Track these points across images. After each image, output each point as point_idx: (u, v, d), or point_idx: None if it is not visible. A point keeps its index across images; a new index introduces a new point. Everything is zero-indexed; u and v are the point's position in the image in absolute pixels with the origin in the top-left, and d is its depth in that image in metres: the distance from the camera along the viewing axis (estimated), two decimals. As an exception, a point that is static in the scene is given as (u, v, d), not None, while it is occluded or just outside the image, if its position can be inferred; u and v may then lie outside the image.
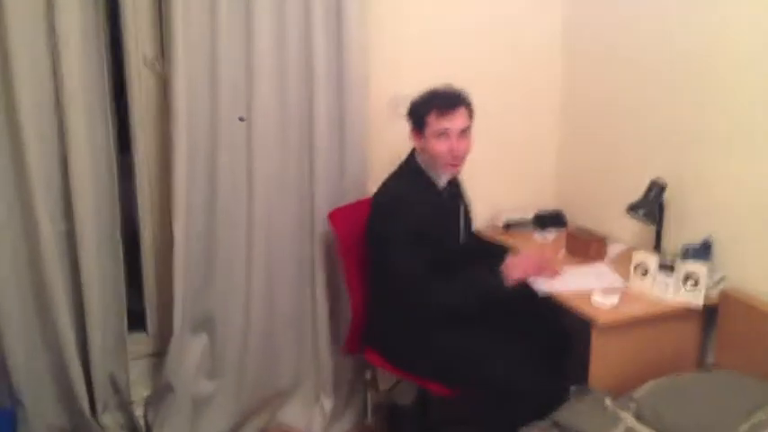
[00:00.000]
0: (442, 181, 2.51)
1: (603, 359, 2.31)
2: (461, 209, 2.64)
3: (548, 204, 3.20)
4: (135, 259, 2.83)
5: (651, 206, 2.55)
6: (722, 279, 2.41)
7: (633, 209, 2.57)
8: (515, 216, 3.06)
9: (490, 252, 2.73)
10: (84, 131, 2.47)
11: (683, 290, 2.36)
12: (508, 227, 3.05)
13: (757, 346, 2.25)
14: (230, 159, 2.67)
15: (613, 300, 2.36)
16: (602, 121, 2.99)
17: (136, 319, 2.87)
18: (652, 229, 2.62)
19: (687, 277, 2.35)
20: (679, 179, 2.56)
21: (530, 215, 3.08)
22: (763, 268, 2.32)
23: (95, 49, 2.47)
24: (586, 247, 2.73)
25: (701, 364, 2.49)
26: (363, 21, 2.69)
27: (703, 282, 2.32)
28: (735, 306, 2.33)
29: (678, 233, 2.57)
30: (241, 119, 2.63)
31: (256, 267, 2.77)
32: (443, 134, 2.38)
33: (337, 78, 2.72)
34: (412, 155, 2.51)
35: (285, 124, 2.72)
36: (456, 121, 2.38)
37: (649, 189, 2.56)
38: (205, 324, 2.79)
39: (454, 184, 2.60)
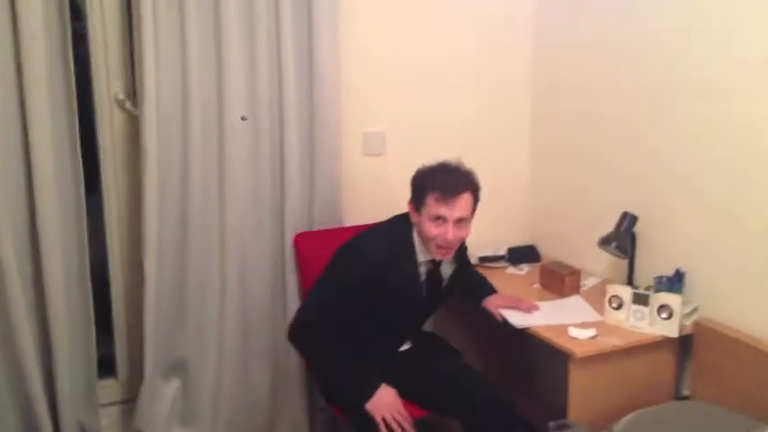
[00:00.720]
0: (426, 257, 2.39)
1: (582, 392, 2.32)
2: (440, 291, 2.51)
3: (520, 239, 3.22)
4: (104, 302, 2.77)
5: (623, 239, 2.58)
6: (695, 310, 2.44)
7: (605, 242, 2.60)
8: (489, 252, 3.07)
9: (477, 291, 2.66)
10: (53, 173, 2.43)
11: (657, 321, 2.38)
12: (482, 262, 3.05)
13: (731, 376, 2.28)
14: (202, 199, 2.65)
15: (590, 332, 2.37)
16: (571, 155, 3.03)
17: (105, 365, 2.80)
18: (625, 261, 2.65)
19: (661, 308, 2.37)
20: (649, 211, 2.60)
21: (503, 250, 3.09)
22: (733, 298, 2.35)
23: (64, 89, 2.43)
24: (560, 280, 2.74)
25: (677, 394, 2.50)
26: (336, 53, 2.72)
27: (677, 312, 2.35)
28: (709, 336, 2.36)
29: (650, 264, 2.60)
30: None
31: (229, 307, 2.73)
32: (440, 219, 2.26)
33: (309, 119, 2.73)
34: (406, 215, 2.40)
35: (257, 163, 2.71)
36: (455, 209, 2.25)
37: (621, 222, 2.60)
38: (177, 368, 2.73)
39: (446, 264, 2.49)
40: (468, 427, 2.33)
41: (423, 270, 2.41)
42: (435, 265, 2.43)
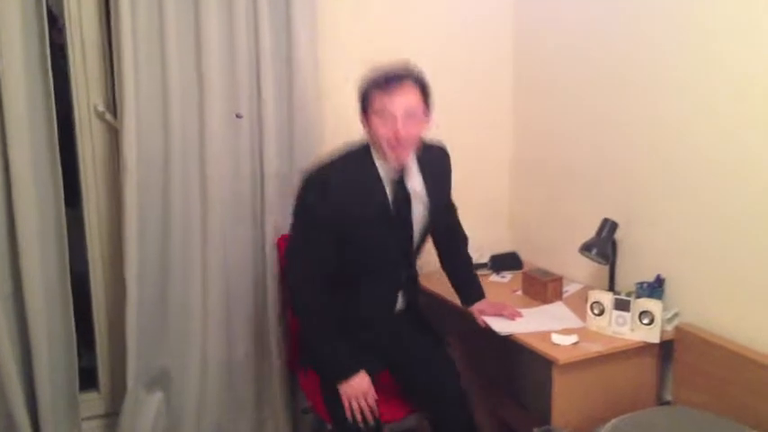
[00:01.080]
0: (389, 169, 2.25)
1: (566, 398, 2.32)
2: (415, 206, 2.33)
3: (502, 247, 3.23)
4: (85, 314, 2.75)
5: (603, 245, 2.59)
6: (676, 315, 2.46)
7: (586, 248, 2.61)
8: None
9: (465, 293, 2.63)
10: (33, 186, 2.42)
11: (639, 327, 2.39)
12: (464, 270, 3.06)
13: (712, 381, 2.29)
14: (183, 210, 2.65)
15: (572, 339, 2.38)
16: (552, 163, 3.05)
17: (87, 377, 2.78)
18: (606, 267, 2.66)
19: (642, 314, 2.39)
20: (630, 218, 2.62)
21: (485, 258, 3.10)
22: (713, 304, 2.37)
23: (43, 101, 2.42)
24: (543, 287, 2.75)
25: (659, 399, 2.51)
26: (315, 63, 2.73)
27: (659, 318, 2.37)
28: (690, 341, 2.37)
29: (631, 271, 2.62)
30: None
31: (212, 317, 2.73)
32: (386, 114, 2.13)
33: (289, 127, 2.73)
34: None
35: (238, 174, 2.71)
36: (399, 100, 2.12)
37: (601, 228, 2.61)
38: (160, 380, 2.72)
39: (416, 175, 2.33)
40: (433, 425, 2.42)
41: (388, 185, 2.26)
42: (400, 180, 2.28)
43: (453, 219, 2.63)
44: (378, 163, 2.24)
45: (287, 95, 2.71)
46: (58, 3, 2.52)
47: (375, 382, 2.31)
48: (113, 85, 2.56)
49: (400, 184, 2.27)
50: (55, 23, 2.57)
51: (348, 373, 2.25)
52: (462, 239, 2.65)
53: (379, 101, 2.14)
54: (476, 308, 2.58)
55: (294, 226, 2.31)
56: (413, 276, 2.50)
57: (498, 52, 3.19)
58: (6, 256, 2.45)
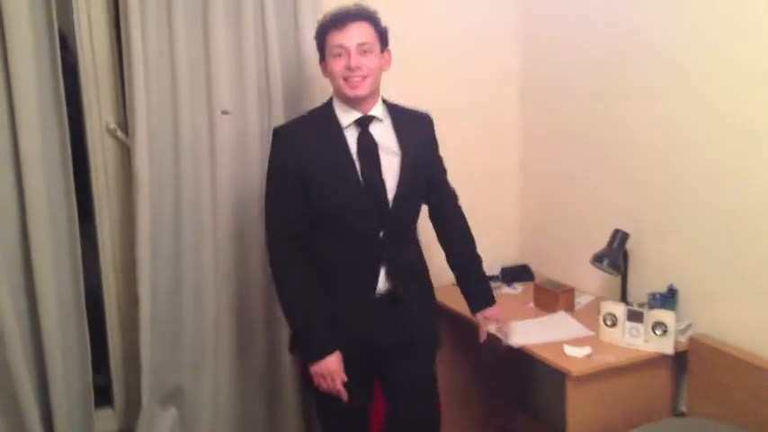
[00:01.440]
0: (349, 116, 2.20)
1: (580, 410, 2.32)
2: (385, 156, 2.22)
3: (513, 259, 3.23)
4: (100, 331, 2.76)
5: (615, 256, 2.59)
6: (689, 326, 2.45)
7: (597, 259, 2.61)
8: (482, 271, 3.08)
9: (473, 298, 2.47)
10: (46, 203, 2.43)
11: (653, 338, 2.39)
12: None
13: (728, 391, 2.29)
14: (195, 226, 2.66)
15: (586, 350, 2.37)
16: (562, 174, 3.05)
17: (101, 394, 2.78)
18: (618, 278, 2.66)
19: (656, 325, 2.38)
20: (641, 228, 2.62)
21: (496, 270, 3.10)
22: (727, 314, 2.37)
23: (56, 119, 2.44)
24: (555, 299, 2.75)
25: (674, 410, 2.50)
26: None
27: (672, 329, 2.36)
28: (704, 352, 2.37)
29: (643, 281, 2.61)
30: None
31: (224, 333, 2.74)
32: (340, 50, 2.13)
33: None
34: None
35: (249, 189, 2.72)
36: (350, 35, 2.12)
37: (612, 239, 2.61)
38: (174, 396, 2.72)
39: (385, 123, 2.25)
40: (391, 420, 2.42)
41: (351, 136, 2.20)
42: (364, 127, 2.21)
43: (452, 207, 2.47)
44: (338, 111, 2.22)
45: (297, 110, 2.72)
46: (68, 23, 2.53)
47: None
48: (124, 102, 2.58)
49: (365, 132, 2.21)
50: (64, 43, 2.59)
51: (319, 355, 2.18)
52: (467, 237, 2.48)
53: (332, 39, 2.14)
54: (481, 316, 2.45)
55: (266, 185, 2.26)
56: (400, 255, 2.28)
57: (504, 64, 3.19)
58: (21, 272, 2.46)
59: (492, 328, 2.45)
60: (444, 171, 2.45)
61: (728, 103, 2.29)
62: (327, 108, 2.24)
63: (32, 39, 2.33)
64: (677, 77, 2.46)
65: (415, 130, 2.32)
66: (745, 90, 2.25)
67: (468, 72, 3.12)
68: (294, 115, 2.67)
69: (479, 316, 2.45)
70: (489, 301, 2.47)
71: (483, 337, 2.44)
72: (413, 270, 2.35)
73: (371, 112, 2.21)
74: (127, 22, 2.42)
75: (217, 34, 2.56)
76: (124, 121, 2.61)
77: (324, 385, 2.20)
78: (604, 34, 2.75)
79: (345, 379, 2.21)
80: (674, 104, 2.48)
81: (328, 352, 2.19)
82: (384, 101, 2.29)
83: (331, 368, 2.19)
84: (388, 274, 2.25)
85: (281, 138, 2.22)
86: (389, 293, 2.27)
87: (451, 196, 2.48)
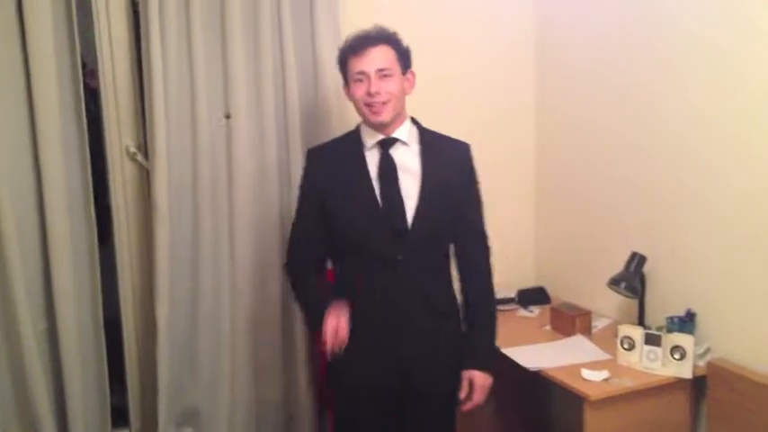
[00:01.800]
0: (372, 138, 2.18)
1: (598, 436, 2.30)
2: (404, 177, 2.17)
3: (530, 282, 3.23)
4: (117, 352, 2.78)
5: (632, 279, 2.59)
6: (708, 350, 2.43)
7: (614, 282, 2.60)
8: (498, 294, 3.06)
9: (473, 353, 2.26)
10: (67, 225, 2.46)
11: (670, 362, 2.37)
12: (492, 305, 3.05)
13: (747, 416, 2.26)
14: (212, 250, 2.68)
15: (603, 374, 2.36)
16: (578, 196, 3.05)
17: (118, 415, 2.79)
18: (635, 301, 2.65)
19: (674, 349, 2.37)
20: (659, 251, 2.61)
21: (512, 293, 3.09)
22: (746, 338, 2.35)
23: (77, 143, 2.49)
24: (571, 322, 2.75)
25: (693, 435, 2.48)
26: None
27: (690, 353, 2.35)
28: (723, 376, 2.35)
29: (661, 305, 2.60)
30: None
31: (241, 356, 2.75)
32: (361, 76, 2.11)
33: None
34: None
35: (266, 214, 2.74)
36: (370, 60, 2.10)
37: (629, 262, 2.60)
38: (190, 418, 2.73)
39: (406, 145, 2.20)
40: None
41: (373, 158, 2.19)
42: (385, 149, 2.18)
43: (479, 256, 2.31)
44: (364, 133, 2.21)
45: (314, 133, 2.75)
46: (90, 49, 2.58)
47: None
48: (145, 126, 2.61)
49: (385, 153, 2.19)
50: (86, 68, 2.64)
51: (324, 307, 2.12)
52: (487, 292, 2.32)
53: (352, 65, 2.13)
54: (467, 375, 2.23)
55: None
56: (422, 285, 2.18)
57: (520, 84, 3.22)
58: (41, 293, 2.49)
59: (462, 394, 2.23)
60: (478, 213, 2.30)
61: (750, 127, 2.29)
62: (355, 131, 2.25)
63: (55, 64, 2.38)
64: (697, 100, 2.46)
65: (446, 155, 2.24)
66: (766, 114, 2.25)
67: (484, 99, 3.14)
68: (311, 141, 2.70)
69: (465, 375, 2.23)
70: (484, 365, 2.25)
71: (462, 395, 2.24)
72: (436, 306, 2.22)
73: (395, 135, 2.19)
74: (148, 49, 2.47)
75: (235, 61, 2.59)
76: (144, 145, 2.64)
77: (329, 331, 2.07)
78: (620, 60, 2.76)
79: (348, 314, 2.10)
80: (694, 127, 2.48)
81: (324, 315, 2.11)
82: (417, 125, 2.26)
83: (332, 322, 2.08)
84: (406, 304, 2.16)
85: (309, 159, 2.26)
86: (411, 326, 2.17)
87: (481, 243, 2.31)
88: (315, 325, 2.17)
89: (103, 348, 2.62)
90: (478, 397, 2.23)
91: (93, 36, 2.56)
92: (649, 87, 2.64)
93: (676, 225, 2.57)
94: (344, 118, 2.68)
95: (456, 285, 2.31)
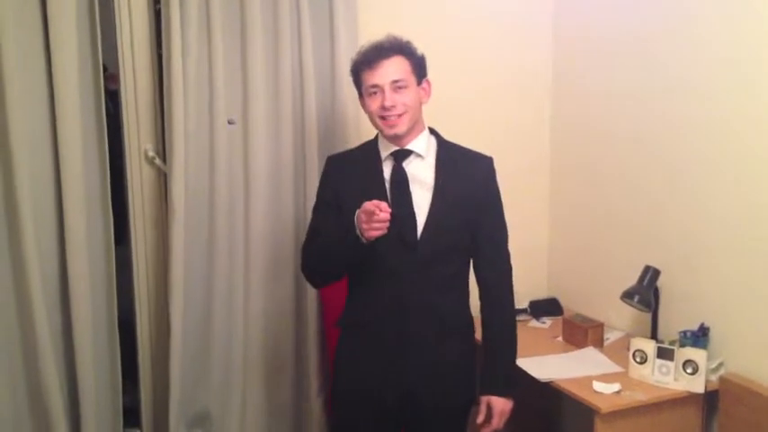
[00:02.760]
0: (388, 149, 2.16)
1: (608, 448, 2.30)
2: (416, 189, 2.13)
3: (542, 293, 3.23)
4: (131, 352, 2.80)
5: (646, 292, 2.58)
6: (721, 365, 2.42)
7: (628, 295, 2.59)
8: (511, 304, 3.07)
9: (491, 378, 2.22)
10: (84, 225, 2.49)
11: (683, 376, 2.36)
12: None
13: (759, 431, 2.25)
14: (228, 253, 2.71)
15: (615, 387, 2.36)
16: (593, 208, 3.05)
17: (130, 416, 2.81)
18: (648, 314, 2.64)
19: (686, 363, 2.36)
20: (673, 265, 2.60)
21: (525, 304, 3.09)
22: (759, 353, 2.34)
23: (97, 145, 2.52)
24: (584, 333, 2.74)
25: (704, 451, 2.47)
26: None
27: (703, 368, 2.34)
28: (735, 392, 2.34)
29: (674, 319, 2.59)
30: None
31: (254, 359, 2.77)
32: (375, 89, 2.08)
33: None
34: None
35: (281, 218, 2.77)
36: (384, 72, 2.06)
37: (643, 275, 2.59)
38: (202, 420, 2.75)
39: (421, 157, 2.16)
40: None
41: (387, 169, 2.16)
42: (399, 160, 2.15)
43: (498, 277, 2.25)
44: (380, 144, 2.19)
45: (330, 139, 2.77)
46: (110, 52, 2.60)
47: None
48: (163, 130, 2.64)
49: (398, 165, 2.16)
50: (105, 71, 2.67)
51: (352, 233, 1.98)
52: (506, 314, 2.26)
53: (365, 78, 2.10)
54: (485, 399, 2.21)
55: None
56: (432, 300, 2.13)
57: (536, 96, 3.23)
58: (57, 292, 2.52)
59: (480, 418, 2.20)
60: (499, 230, 2.25)
61: (763, 138, 2.29)
62: (374, 140, 2.23)
63: (78, 66, 2.41)
64: (712, 113, 2.46)
65: (466, 168, 2.19)
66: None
67: (501, 111, 3.15)
68: (328, 147, 2.72)
69: (484, 399, 2.20)
70: (504, 391, 2.20)
71: (480, 419, 2.21)
72: (445, 321, 2.16)
73: (409, 146, 2.15)
74: (168, 53, 2.50)
75: (254, 68, 2.62)
76: (162, 149, 2.67)
77: (374, 228, 1.93)
78: (635, 76, 2.77)
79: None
80: (707, 141, 2.49)
81: (353, 225, 1.98)
82: (437, 136, 2.23)
83: (362, 216, 1.94)
84: (413, 318, 2.12)
85: (328, 165, 2.26)
86: (417, 340, 2.13)
87: (501, 261, 2.25)
88: (349, 238, 2.00)
89: (117, 348, 2.64)
90: (497, 422, 2.19)
91: (115, 40, 2.60)
92: (664, 102, 2.64)
93: (691, 239, 2.57)
94: (361, 125, 2.71)
95: (474, 301, 2.27)
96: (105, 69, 2.63)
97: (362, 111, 2.21)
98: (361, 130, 2.76)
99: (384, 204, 1.91)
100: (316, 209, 2.26)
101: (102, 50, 2.48)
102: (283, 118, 2.70)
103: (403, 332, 2.12)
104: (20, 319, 2.46)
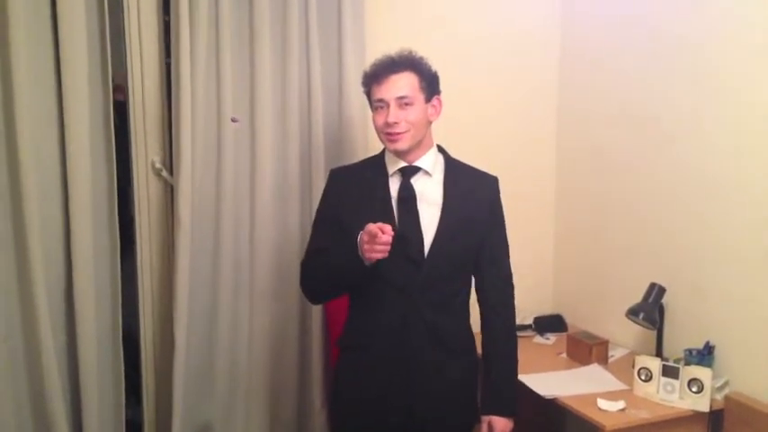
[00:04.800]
0: (395, 165, 2.15)
1: (613, 467, 2.29)
2: (423, 207, 2.13)
3: (547, 309, 3.22)
4: (134, 366, 2.79)
5: (651, 310, 2.58)
6: (726, 384, 2.42)
7: (633, 312, 2.59)
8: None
9: (493, 397, 2.23)
10: (90, 238, 2.48)
11: (688, 394, 2.36)
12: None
13: (765, 452, 2.25)
14: (233, 267, 2.71)
15: (619, 404, 2.35)
16: (598, 226, 3.06)
17: (132, 429, 2.80)
18: (653, 332, 2.64)
19: (691, 382, 2.36)
20: (678, 283, 2.61)
21: (529, 320, 3.09)
22: (764, 373, 2.34)
23: (104, 155, 2.51)
24: (588, 350, 2.74)
25: (709, 470, 2.46)
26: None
27: (708, 386, 2.33)
28: (740, 411, 2.34)
29: (679, 337, 2.59)
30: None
31: (257, 374, 2.76)
32: (381, 104, 2.07)
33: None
34: None
35: (286, 231, 2.77)
36: (391, 88, 2.05)
37: (648, 292, 2.60)
38: (205, 435, 2.74)
39: (428, 174, 2.16)
40: None
41: (394, 185, 2.15)
42: (406, 177, 2.15)
43: (499, 295, 2.26)
44: (387, 158, 2.18)
45: (337, 151, 2.78)
46: (118, 64, 2.60)
47: None
48: (171, 142, 2.64)
49: (405, 182, 2.15)
50: (115, 84, 2.68)
51: (355, 253, 2.00)
52: (507, 333, 2.27)
53: (373, 92, 2.09)
54: (486, 419, 2.21)
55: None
56: (434, 320, 2.12)
57: (541, 116, 3.25)
58: (62, 305, 2.50)
59: None
60: (502, 249, 2.26)
61: (766, 155, 2.30)
62: (380, 155, 2.22)
63: (87, 78, 2.41)
64: (716, 133, 2.48)
65: (471, 187, 2.20)
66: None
67: (506, 131, 3.17)
68: (334, 158, 2.73)
69: (485, 419, 2.21)
70: (505, 411, 2.21)
71: None
72: (447, 340, 2.16)
73: (417, 163, 2.14)
74: (177, 67, 2.51)
75: (263, 81, 2.63)
76: (169, 161, 2.68)
77: (378, 250, 1.95)
78: (639, 95, 2.79)
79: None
80: (713, 159, 2.50)
81: (354, 246, 2.00)
82: (444, 154, 2.23)
83: (369, 230, 1.94)
84: (416, 335, 2.11)
85: (331, 179, 2.25)
86: (419, 358, 2.12)
87: (504, 281, 2.26)
88: (352, 257, 2.01)
89: (121, 362, 2.62)
90: None
91: (123, 51, 2.61)
92: (668, 121, 2.66)
93: (696, 257, 2.57)
94: (368, 137, 2.73)
95: (475, 320, 2.27)
96: (113, 81, 2.64)
97: (370, 120, 2.21)
98: (369, 143, 2.77)
99: (388, 227, 1.92)
100: (315, 225, 2.26)
101: (111, 62, 2.48)
102: (291, 131, 2.70)
103: (404, 350, 2.12)
104: (24, 331, 2.43)
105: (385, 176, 2.16)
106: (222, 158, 2.63)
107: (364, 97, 2.20)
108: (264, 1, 2.59)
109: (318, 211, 2.26)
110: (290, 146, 2.71)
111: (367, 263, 1.99)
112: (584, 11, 3.07)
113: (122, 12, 2.59)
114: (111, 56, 2.48)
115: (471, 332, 2.26)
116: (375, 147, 2.75)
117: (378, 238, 1.91)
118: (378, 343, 2.14)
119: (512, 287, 2.28)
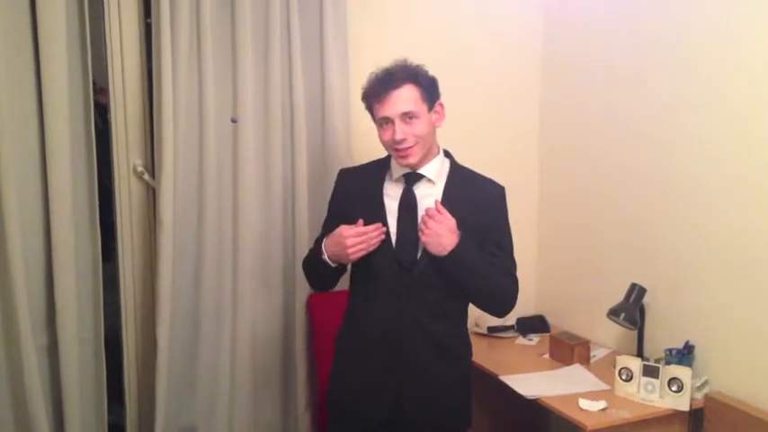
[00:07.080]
0: (400, 170, 2.15)
1: (594, 466, 2.30)
2: (420, 212, 2.11)
3: (529, 310, 3.24)
4: (116, 370, 2.78)
5: (632, 310, 2.60)
6: (705, 383, 2.44)
7: (614, 313, 2.61)
8: (497, 321, 3.08)
9: None
10: (72, 241, 2.47)
11: (668, 394, 2.38)
12: (491, 332, 3.06)
13: (744, 450, 2.27)
14: (215, 269, 2.70)
15: (601, 404, 2.37)
16: (580, 227, 3.07)
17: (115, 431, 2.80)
18: (634, 332, 2.65)
19: (671, 381, 2.38)
20: (658, 283, 2.63)
21: (512, 321, 3.10)
22: (744, 372, 2.36)
23: (85, 159, 2.51)
24: (570, 351, 2.75)
25: (690, 468, 2.48)
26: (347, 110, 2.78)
27: (688, 385, 2.35)
28: (720, 410, 2.36)
29: (660, 336, 2.61)
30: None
31: (240, 376, 2.75)
32: (386, 121, 2.06)
33: (323, 190, 2.79)
34: None
35: (269, 231, 2.77)
36: (394, 104, 2.03)
37: (629, 293, 2.62)
38: (187, 437, 2.73)
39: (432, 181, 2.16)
40: None
41: (398, 189, 2.16)
42: (410, 183, 2.15)
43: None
44: (393, 163, 2.17)
45: (321, 159, 2.78)
46: (99, 65, 2.60)
47: None
48: (152, 144, 2.64)
49: (408, 188, 2.15)
50: (93, 85, 2.67)
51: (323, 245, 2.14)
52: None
53: (376, 110, 2.08)
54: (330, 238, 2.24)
55: None
56: (429, 325, 2.12)
57: (524, 116, 3.26)
58: (44, 308, 2.49)
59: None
60: (503, 251, 2.23)
61: (751, 164, 2.32)
62: (387, 158, 2.21)
63: (67, 79, 2.40)
64: (700, 135, 2.49)
65: (475, 194, 2.18)
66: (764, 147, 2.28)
67: (488, 130, 3.18)
68: (317, 162, 2.73)
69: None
70: (462, 238, 2.10)
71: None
72: (439, 345, 2.15)
73: (421, 170, 2.13)
74: (158, 69, 2.50)
75: (244, 84, 2.64)
76: (151, 164, 2.67)
77: (352, 247, 2.05)
78: (623, 93, 2.81)
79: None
80: (696, 162, 2.52)
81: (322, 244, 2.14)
82: (451, 159, 2.22)
83: (334, 238, 2.09)
84: (407, 338, 2.12)
85: (339, 178, 2.29)
86: (409, 360, 2.13)
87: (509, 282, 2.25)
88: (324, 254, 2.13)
89: (103, 365, 2.61)
90: (433, 214, 2.07)
91: (104, 54, 2.60)
92: (651, 121, 2.68)
93: (677, 258, 2.59)
94: (350, 139, 2.76)
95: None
96: (94, 83, 2.63)
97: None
98: (351, 146, 2.79)
99: (361, 229, 2.06)
100: (325, 220, 2.31)
101: (92, 64, 2.47)
102: (273, 133, 2.71)
103: (397, 351, 2.13)
104: (5, 335, 2.43)
105: (389, 180, 2.18)
106: (204, 161, 2.63)
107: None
108: (246, 3, 2.60)
109: (329, 205, 2.32)
110: (273, 149, 2.71)
111: (333, 264, 2.13)
112: (567, 10, 3.09)
113: (103, 14, 2.58)
114: (93, 58, 2.47)
115: (467, 338, 2.27)
116: (358, 150, 2.77)
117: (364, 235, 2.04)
118: (372, 340, 2.15)
119: (516, 284, 2.27)
